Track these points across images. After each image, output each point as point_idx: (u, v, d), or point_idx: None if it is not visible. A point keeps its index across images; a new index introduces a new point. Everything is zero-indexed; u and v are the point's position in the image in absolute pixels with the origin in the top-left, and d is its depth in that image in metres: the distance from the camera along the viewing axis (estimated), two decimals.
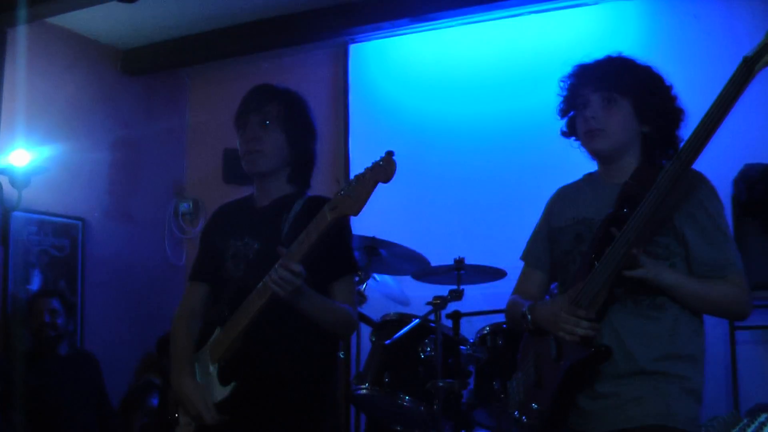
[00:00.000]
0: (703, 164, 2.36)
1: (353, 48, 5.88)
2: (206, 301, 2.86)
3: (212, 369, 2.67)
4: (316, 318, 2.62)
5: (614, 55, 2.53)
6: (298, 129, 2.82)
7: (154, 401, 5.13)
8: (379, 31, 5.61)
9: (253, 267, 2.68)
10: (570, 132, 2.61)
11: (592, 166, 2.63)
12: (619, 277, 2.29)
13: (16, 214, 5.22)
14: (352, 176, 2.45)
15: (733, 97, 2.17)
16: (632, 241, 2.26)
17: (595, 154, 2.54)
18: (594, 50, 2.61)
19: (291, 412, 2.67)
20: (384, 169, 2.39)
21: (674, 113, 2.48)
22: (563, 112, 2.61)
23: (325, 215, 2.47)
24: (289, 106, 2.82)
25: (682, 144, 2.36)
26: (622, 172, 2.46)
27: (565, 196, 2.66)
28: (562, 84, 2.58)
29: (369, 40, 5.77)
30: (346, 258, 2.78)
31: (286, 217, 2.72)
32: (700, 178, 2.43)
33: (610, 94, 2.45)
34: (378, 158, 2.40)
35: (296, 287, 2.48)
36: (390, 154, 2.40)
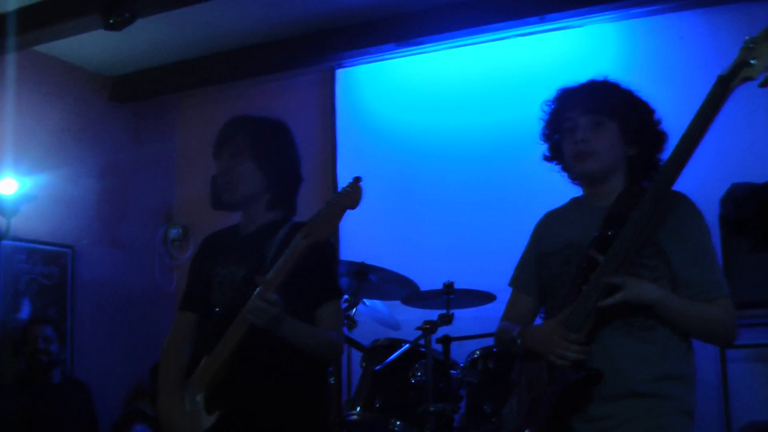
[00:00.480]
0: (689, 184, 2.37)
1: (341, 70, 5.89)
2: (195, 330, 2.85)
3: (199, 397, 2.65)
4: (298, 344, 2.62)
5: (598, 78, 2.53)
6: (270, 156, 2.80)
7: (137, 428, 5.09)
8: (366, 56, 5.63)
9: (239, 295, 2.66)
10: (553, 156, 2.61)
11: (580, 189, 2.63)
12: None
13: (5, 242, 5.22)
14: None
15: (710, 116, 2.19)
16: (617, 264, 2.27)
17: (583, 177, 2.54)
18: (581, 70, 2.62)
19: None
20: (350, 195, 2.42)
21: (658, 136, 2.49)
22: (546, 137, 2.61)
23: (298, 242, 2.49)
24: (257, 135, 2.82)
25: None
26: (608, 195, 2.46)
27: (552, 221, 2.66)
28: (545, 108, 2.59)
29: (356, 64, 5.80)
30: (329, 284, 2.78)
31: (271, 243, 2.71)
32: (683, 199, 2.43)
33: (598, 117, 2.45)
34: (346, 184, 2.45)
35: (273, 316, 2.48)
36: (357, 180, 2.44)
